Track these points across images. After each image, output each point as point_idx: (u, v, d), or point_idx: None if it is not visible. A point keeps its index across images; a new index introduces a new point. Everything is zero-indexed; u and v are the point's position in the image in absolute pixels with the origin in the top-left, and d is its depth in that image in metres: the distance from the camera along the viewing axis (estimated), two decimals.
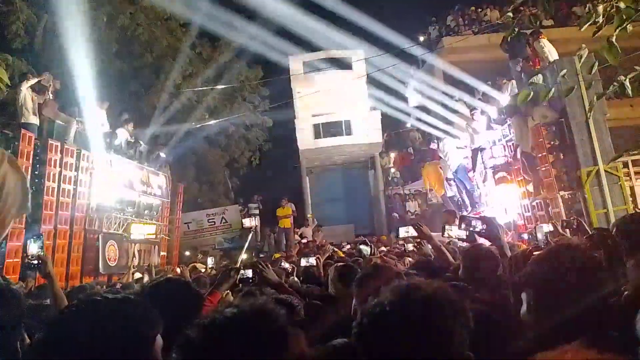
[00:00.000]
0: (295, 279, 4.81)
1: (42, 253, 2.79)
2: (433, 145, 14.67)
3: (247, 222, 6.17)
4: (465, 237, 3.47)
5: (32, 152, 8.71)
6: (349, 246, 11.14)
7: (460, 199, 12.87)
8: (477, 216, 3.61)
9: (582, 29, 3.46)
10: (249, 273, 3.22)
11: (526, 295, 1.63)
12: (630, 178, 10.18)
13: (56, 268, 8.80)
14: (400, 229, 3.92)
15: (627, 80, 3.44)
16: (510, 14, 4.16)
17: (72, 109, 10.68)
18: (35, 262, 2.77)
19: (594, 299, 1.48)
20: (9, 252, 7.88)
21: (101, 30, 13.45)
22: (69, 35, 12.54)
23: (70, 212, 9.53)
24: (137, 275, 6.87)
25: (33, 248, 2.79)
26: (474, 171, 11.63)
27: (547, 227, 4.01)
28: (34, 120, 9.17)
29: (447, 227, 3.57)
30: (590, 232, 5.09)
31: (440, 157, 13.69)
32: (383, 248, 10.03)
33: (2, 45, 12.14)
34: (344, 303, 2.77)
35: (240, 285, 3.26)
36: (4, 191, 0.82)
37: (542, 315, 1.53)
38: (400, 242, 9.48)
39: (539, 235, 3.90)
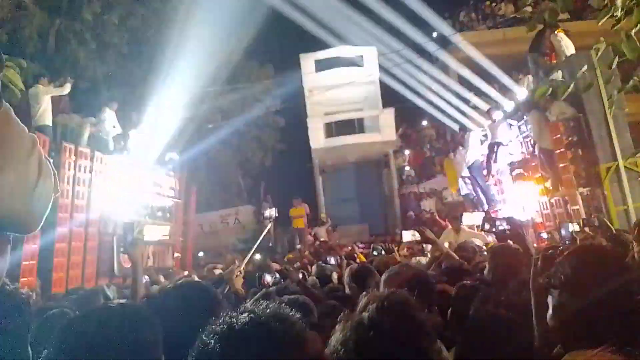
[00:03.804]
0: (315, 278, 4.75)
1: (138, 237, 3.02)
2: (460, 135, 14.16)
3: (267, 213, 6.22)
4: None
5: (46, 155, 8.73)
6: (362, 245, 11.11)
7: (475, 196, 12.66)
8: (501, 217, 3.48)
9: (600, 23, 3.35)
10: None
11: (551, 298, 1.55)
12: None
13: (72, 270, 8.85)
14: (404, 232, 3.87)
15: None
16: (529, 9, 4.07)
17: (85, 111, 10.74)
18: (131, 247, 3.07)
19: (622, 301, 1.39)
20: (25, 254, 7.91)
21: (112, 32, 13.49)
22: (81, 39, 12.64)
23: (85, 214, 9.57)
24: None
25: (131, 233, 3.01)
26: (489, 168, 11.41)
27: (573, 226, 3.88)
28: (49, 122, 9.21)
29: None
30: (612, 230, 4.96)
31: (457, 151, 13.32)
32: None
33: (16, 49, 12.24)
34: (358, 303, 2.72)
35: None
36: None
37: (567, 318, 1.46)
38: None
39: (564, 233, 3.77)
